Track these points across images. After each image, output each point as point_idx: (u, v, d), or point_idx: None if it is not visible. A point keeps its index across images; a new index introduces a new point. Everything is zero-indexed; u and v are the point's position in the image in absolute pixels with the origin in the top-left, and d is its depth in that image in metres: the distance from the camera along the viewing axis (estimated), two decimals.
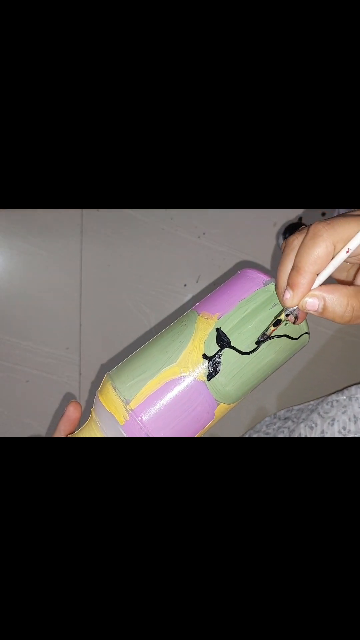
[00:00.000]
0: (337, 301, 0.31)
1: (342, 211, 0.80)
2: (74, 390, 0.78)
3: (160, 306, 0.77)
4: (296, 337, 0.38)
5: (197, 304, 0.40)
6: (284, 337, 0.37)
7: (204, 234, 0.79)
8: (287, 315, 0.34)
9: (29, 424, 0.77)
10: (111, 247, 0.77)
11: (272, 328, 0.35)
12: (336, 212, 0.81)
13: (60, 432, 0.42)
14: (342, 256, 0.31)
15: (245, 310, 0.37)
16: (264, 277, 0.38)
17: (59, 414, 0.78)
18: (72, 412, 0.41)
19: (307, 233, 0.32)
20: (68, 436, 0.41)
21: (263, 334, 0.36)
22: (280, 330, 0.37)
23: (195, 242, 0.79)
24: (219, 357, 0.36)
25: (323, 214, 0.81)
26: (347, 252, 0.31)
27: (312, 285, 0.32)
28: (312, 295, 0.32)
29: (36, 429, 0.77)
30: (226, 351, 0.36)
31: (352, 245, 0.31)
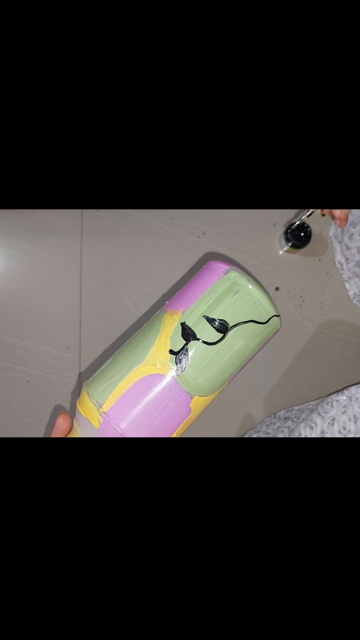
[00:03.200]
0: None
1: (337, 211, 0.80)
2: (74, 390, 0.78)
3: (161, 306, 0.77)
4: (264, 321, 0.38)
5: (166, 302, 0.40)
6: (251, 322, 0.37)
7: (204, 234, 0.79)
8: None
9: (29, 424, 0.77)
10: (111, 247, 0.77)
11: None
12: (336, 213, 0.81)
13: None
14: None
15: (207, 301, 0.37)
16: (224, 267, 0.38)
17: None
18: (62, 423, 0.42)
19: None
20: None
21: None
22: (245, 315, 0.37)
23: (195, 242, 0.79)
24: (186, 351, 0.36)
25: (323, 215, 0.81)
26: None
27: None
28: None
29: (36, 429, 0.77)
30: (192, 344, 0.36)
31: None
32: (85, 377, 0.78)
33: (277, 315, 0.38)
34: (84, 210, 0.76)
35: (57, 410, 0.78)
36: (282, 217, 0.80)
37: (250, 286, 0.37)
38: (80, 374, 0.77)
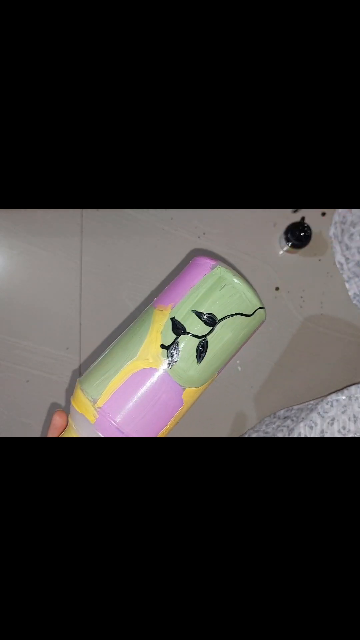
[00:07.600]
0: None
1: (341, 211, 0.80)
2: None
3: None
4: (250, 313, 0.39)
5: (154, 299, 0.41)
6: (237, 315, 0.38)
7: (204, 234, 0.79)
8: None
9: (29, 424, 0.77)
10: (111, 247, 0.77)
11: None
12: (336, 212, 0.81)
13: None
14: None
15: (196, 296, 0.38)
16: (210, 262, 0.39)
17: None
18: (58, 420, 0.42)
19: None
20: None
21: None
22: (232, 308, 0.38)
23: (195, 242, 0.79)
24: (177, 345, 0.37)
25: (323, 214, 0.81)
26: None
27: None
28: None
29: (36, 429, 0.77)
30: (183, 337, 0.37)
31: None
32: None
33: (262, 308, 0.40)
34: (84, 210, 0.76)
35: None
36: (282, 217, 0.80)
37: (236, 280, 0.38)
38: (80, 374, 0.78)
